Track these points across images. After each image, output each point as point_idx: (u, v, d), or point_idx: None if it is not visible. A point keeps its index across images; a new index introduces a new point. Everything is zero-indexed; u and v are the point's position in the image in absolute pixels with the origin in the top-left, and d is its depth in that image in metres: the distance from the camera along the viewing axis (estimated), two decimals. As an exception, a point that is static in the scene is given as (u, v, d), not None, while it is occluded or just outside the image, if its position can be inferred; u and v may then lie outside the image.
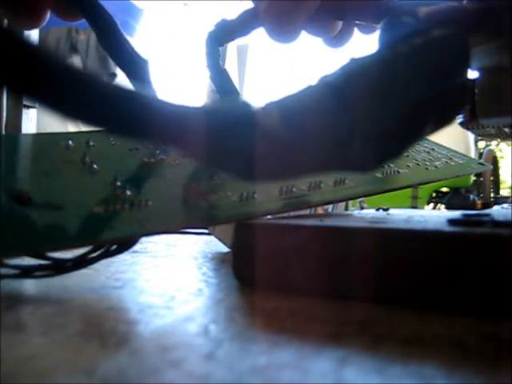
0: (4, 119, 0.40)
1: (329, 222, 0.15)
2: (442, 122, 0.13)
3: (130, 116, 0.09)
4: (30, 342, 0.10)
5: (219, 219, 0.16)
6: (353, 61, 0.12)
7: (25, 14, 0.21)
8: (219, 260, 0.20)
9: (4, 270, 0.14)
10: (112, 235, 0.14)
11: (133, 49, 0.19)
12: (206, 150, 0.10)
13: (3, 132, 0.40)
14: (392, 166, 0.22)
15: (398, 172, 0.22)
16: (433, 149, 0.26)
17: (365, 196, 0.21)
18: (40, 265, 0.15)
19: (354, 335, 0.11)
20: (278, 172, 0.11)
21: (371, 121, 0.11)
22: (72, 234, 0.13)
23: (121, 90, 0.09)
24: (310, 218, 0.18)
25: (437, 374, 0.08)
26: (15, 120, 0.41)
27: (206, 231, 0.32)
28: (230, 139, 0.10)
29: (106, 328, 0.11)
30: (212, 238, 0.30)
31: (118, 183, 0.16)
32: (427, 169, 0.24)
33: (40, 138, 0.18)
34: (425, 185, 0.25)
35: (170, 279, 0.17)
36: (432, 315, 0.12)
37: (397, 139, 0.12)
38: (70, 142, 0.17)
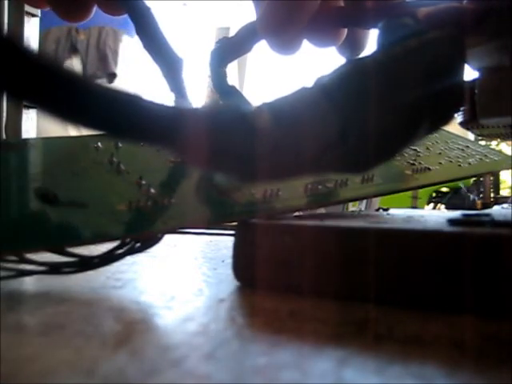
0: (4, 119, 0.40)
1: (329, 222, 0.15)
2: (437, 123, 0.13)
3: (119, 118, 0.10)
4: (30, 341, 0.10)
5: (241, 216, 0.16)
6: (348, 62, 0.12)
7: (73, 9, 0.22)
8: (219, 260, 0.20)
9: (32, 267, 0.15)
10: (135, 232, 0.15)
11: (170, 46, 0.19)
12: (197, 151, 0.11)
13: (3, 132, 0.40)
14: (422, 163, 0.22)
15: (429, 169, 0.22)
16: (467, 146, 0.26)
17: (393, 193, 0.21)
18: (67, 262, 0.15)
19: (354, 335, 0.11)
20: (269, 173, 0.12)
21: (365, 122, 0.11)
22: (95, 230, 0.14)
23: (112, 93, 0.09)
24: (311, 218, 0.18)
25: (437, 373, 0.09)
26: (15, 120, 0.40)
27: (206, 231, 0.32)
28: (222, 140, 0.10)
29: (106, 328, 0.11)
30: (212, 237, 0.30)
31: (143, 182, 0.16)
32: (460, 166, 0.24)
33: (71, 141, 0.19)
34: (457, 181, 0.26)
35: (169, 279, 0.17)
36: (432, 315, 0.12)
37: (390, 141, 0.12)
38: (100, 143, 0.17)
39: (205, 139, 0.10)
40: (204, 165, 0.11)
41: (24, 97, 0.09)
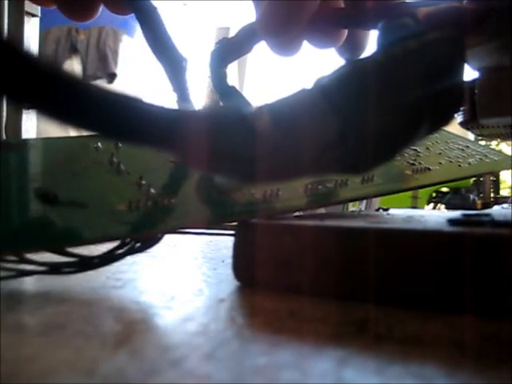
0: (4, 119, 0.40)
1: (329, 222, 0.15)
2: (437, 124, 0.13)
3: (119, 121, 0.10)
4: (30, 341, 0.10)
5: (241, 216, 0.16)
6: (348, 63, 0.12)
7: (79, 8, 0.22)
8: (219, 260, 0.20)
9: (32, 267, 0.15)
10: (135, 232, 0.15)
11: (174, 46, 0.19)
12: (197, 153, 0.11)
13: (3, 132, 0.40)
14: (422, 163, 0.22)
15: (429, 169, 0.22)
16: (467, 146, 0.26)
17: (393, 193, 0.21)
18: (67, 262, 0.15)
19: (354, 335, 0.11)
20: (269, 175, 0.12)
21: (364, 124, 0.11)
22: (95, 230, 0.14)
23: (111, 96, 0.09)
24: (311, 218, 0.18)
25: (437, 373, 0.09)
26: (15, 120, 0.40)
27: (206, 231, 0.32)
28: (222, 142, 0.10)
29: (106, 328, 0.11)
30: (212, 237, 0.30)
31: (143, 182, 0.16)
32: (460, 166, 0.24)
33: (71, 141, 0.19)
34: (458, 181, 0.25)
35: (169, 279, 0.17)
36: (432, 315, 0.12)
37: (390, 141, 0.12)
38: (100, 144, 0.18)
39: (205, 141, 0.10)
40: (204, 167, 0.11)
41: (24, 101, 0.09)
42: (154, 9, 0.19)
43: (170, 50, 0.19)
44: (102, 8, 0.23)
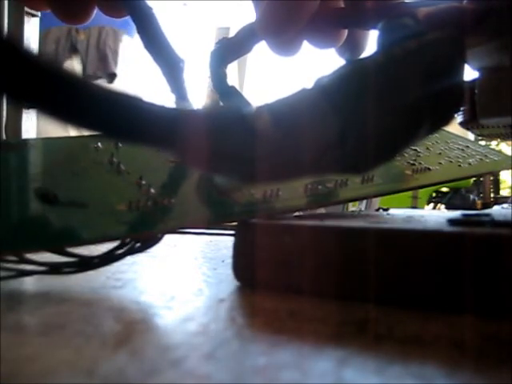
0: (4, 119, 0.40)
1: (329, 222, 0.15)
2: (437, 124, 0.13)
3: (119, 121, 0.10)
4: (30, 341, 0.10)
5: (241, 216, 0.16)
6: (348, 63, 0.12)
7: (73, 11, 0.22)
8: (219, 260, 0.20)
9: (32, 267, 0.15)
10: (135, 232, 0.15)
11: (171, 47, 0.19)
12: (197, 153, 0.11)
13: (3, 132, 0.40)
14: (422, 163, 0.23)
15: (429, 169, 0.22)
16: (467, 146, 0.26)
17: (393, 193, 0.21)
18: (67, 262, 0.15)
19: (354, 335, 0.11)
20: (269, 175, 0.12)
21: (364, 124, 0.12)
22: (95, 230, 0.14)
23: (111, 95, 0.09)
24: (311, 218, 0.18)
25: (437, 373, 0.09)
26: (15, 120, 0.40)
27: (206, 231, 0.32)
28: (221, 142, 0.10)
29: (106, 328, 0.11)
30: (212, 237, 0.30)
31: (143, 182, 0.16)
32: (460, 166, 0.24)
33: (71, 141, 0.19)
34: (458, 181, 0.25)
35: (169, 279, 0.17)
36: (432, 315, 0.12)
37: (390, 142, 0.12)
38: (100, 143, 0.18)
39: (205, 141, 0.10)
40: (204, 167, 0.11)
41: (24, 99, 0.09)
42: (150, 10, 0.19)
43: (166, 51, 0.19)
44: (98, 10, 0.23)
